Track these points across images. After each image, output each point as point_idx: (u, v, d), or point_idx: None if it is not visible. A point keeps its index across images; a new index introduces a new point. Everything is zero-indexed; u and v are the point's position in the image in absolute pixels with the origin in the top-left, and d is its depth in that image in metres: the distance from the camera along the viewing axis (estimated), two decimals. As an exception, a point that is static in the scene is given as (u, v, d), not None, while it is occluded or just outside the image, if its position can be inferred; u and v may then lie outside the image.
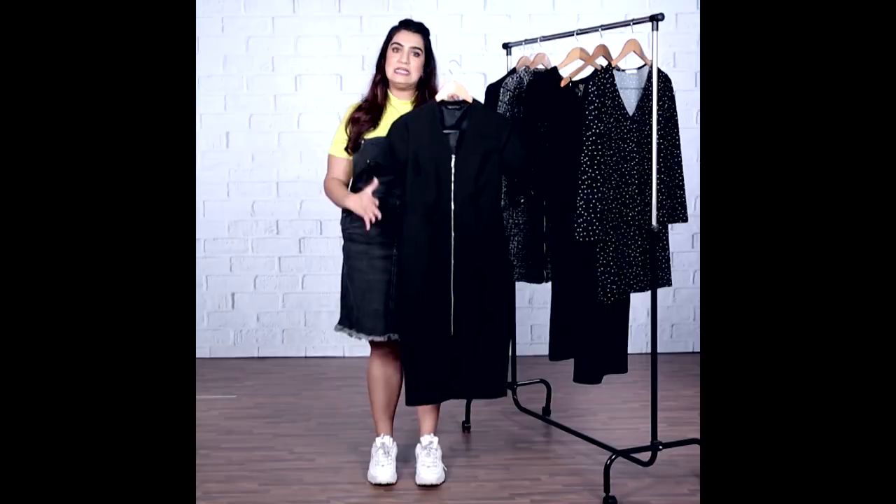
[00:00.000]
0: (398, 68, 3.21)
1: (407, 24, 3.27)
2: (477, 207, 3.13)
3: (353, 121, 3.24)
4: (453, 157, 3.11)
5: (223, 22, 5.08)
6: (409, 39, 3.22)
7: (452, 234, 3.12)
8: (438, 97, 3.15)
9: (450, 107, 3.15)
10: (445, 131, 3.13)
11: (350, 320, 3.30)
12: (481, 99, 3.75)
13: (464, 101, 3.15)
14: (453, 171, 3.11)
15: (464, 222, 3.12)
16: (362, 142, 3.21)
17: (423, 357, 3.17)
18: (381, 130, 3.19)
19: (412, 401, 3.22)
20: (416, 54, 3.22)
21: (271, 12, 5.09)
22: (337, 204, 3.27)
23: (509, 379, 4.18)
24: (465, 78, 4.98)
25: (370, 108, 3.24)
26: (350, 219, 3.27)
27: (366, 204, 3.09)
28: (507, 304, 3.27)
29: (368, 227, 3.10)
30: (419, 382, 3.19)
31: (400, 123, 3.12)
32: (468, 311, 3.16)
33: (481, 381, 3.23)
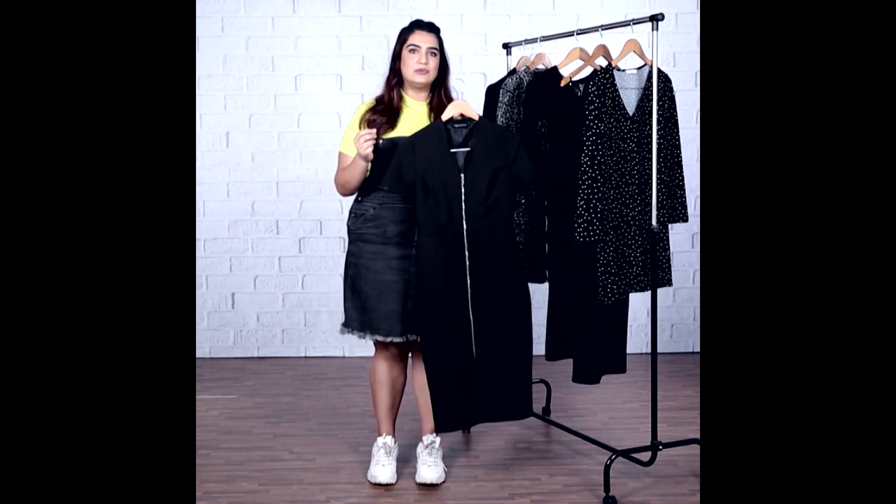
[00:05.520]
0: (418, 69, 3.19)
1: (420, 25, 3.25)
2: (489, 225, 3.10)
3: (369, 123, 3.22)
4: (462, 176, 3.10)
5: (223, 22, 5.08)
6: (425, 40, 3.21)
7: (466, 253, 3.10)
8: (444, 116, 3.13)
9: (456, 125, 3.13)
10: (453, 150, 3.11)
11: (361, 322, 3.27)
12: (481, 100, 3.75)
13: (470, 119, 3.13)
14: (463, 190, 3.09)
15: (477, 241, 3.10)
16: (380, 141, 3.16)
17: (449, 383, 3.14)
18: (399, 130, 3.18)
19: (443, 429, 3.20)
20: (434, 54, 3.21)
21: (271, 12, 5.09)
22: (351, 175, 3.19)
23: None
24: (465, 77, 5.01)
25: (386, 110, 3.23)
26: (361, 220, 3.25)
27: (357, 140, 3.10)
28: (526, 322, 3.21)
29: (371, 142, 3.10)
30: (448, 409, 3.16)
31: (407, 146, 3.10)
32: (489, 332, 3.13)
33: (508, 403, 3.20)
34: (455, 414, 3.18)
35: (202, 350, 5.17)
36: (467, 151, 3.11)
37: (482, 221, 3.10)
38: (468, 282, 3.11)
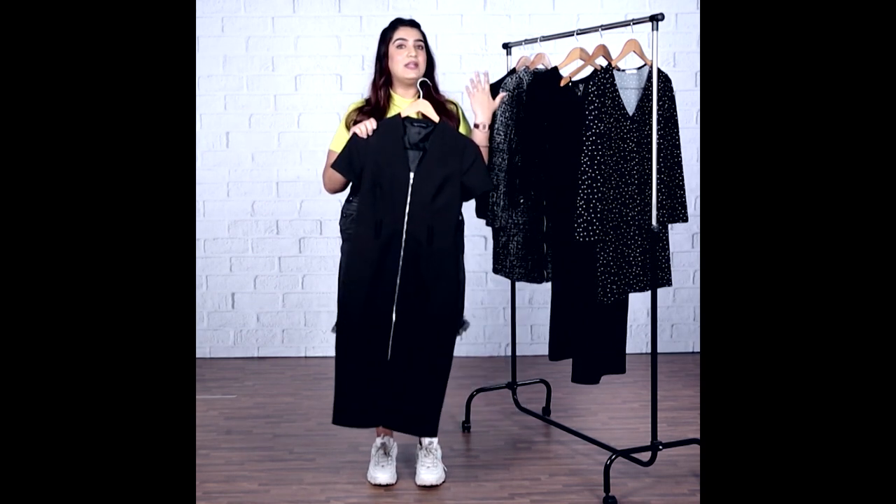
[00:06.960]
0: (408, 63, 3.21)
1: (402, 21, 3.30)
2: (430, 229, 3.06)
3: (356, 123, 3.23)
4: (412, 175, 3.07)
5: (223, 22, 5.08)
6: (410, 34, 3.24)
7: (402, 253, 3.06)
8: (404, 113, 3.13)
9: (415, 124, 3.12)
10: (407, 148, 3.09)
11: None
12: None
13: (430, 120, 3.12)
14: (410, 189, 3.06)
15: (414, 241, 3.06)
16: (368, 135, 3.17)
17: (355, 376, 3.10)
18: None
19: (339, 420, 3.15)
20: (420, 47, 3.24)
21: (271, 12, 5.09)
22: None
23: (509, 378, 4.19)
24: (464, 78, 5.00)
25: (373, 111, 3.24)
26: (349, 220, 3.26)
27: (364, 123, 3.13)
28: (449, 336, 3.13)
29: (370, 128, 3.12)
30: (348, 402, 3.12)
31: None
32: (408, 337, 3.08)
33: (412, 415, 3.12)
34: (353, 410, 3.13)
35: (202, 350, 5.17)
36: (422, 152, 3.10)
37: (423, 224, 3.06)
38: (398, 281, 3.07)
